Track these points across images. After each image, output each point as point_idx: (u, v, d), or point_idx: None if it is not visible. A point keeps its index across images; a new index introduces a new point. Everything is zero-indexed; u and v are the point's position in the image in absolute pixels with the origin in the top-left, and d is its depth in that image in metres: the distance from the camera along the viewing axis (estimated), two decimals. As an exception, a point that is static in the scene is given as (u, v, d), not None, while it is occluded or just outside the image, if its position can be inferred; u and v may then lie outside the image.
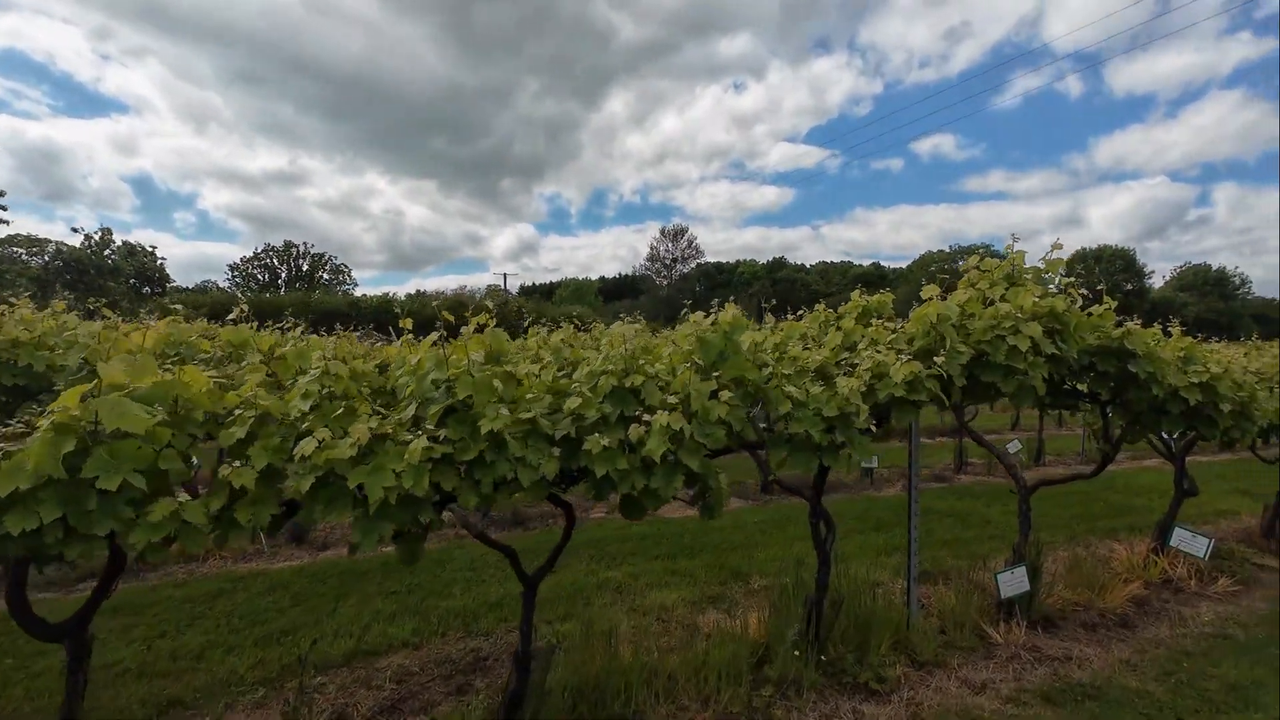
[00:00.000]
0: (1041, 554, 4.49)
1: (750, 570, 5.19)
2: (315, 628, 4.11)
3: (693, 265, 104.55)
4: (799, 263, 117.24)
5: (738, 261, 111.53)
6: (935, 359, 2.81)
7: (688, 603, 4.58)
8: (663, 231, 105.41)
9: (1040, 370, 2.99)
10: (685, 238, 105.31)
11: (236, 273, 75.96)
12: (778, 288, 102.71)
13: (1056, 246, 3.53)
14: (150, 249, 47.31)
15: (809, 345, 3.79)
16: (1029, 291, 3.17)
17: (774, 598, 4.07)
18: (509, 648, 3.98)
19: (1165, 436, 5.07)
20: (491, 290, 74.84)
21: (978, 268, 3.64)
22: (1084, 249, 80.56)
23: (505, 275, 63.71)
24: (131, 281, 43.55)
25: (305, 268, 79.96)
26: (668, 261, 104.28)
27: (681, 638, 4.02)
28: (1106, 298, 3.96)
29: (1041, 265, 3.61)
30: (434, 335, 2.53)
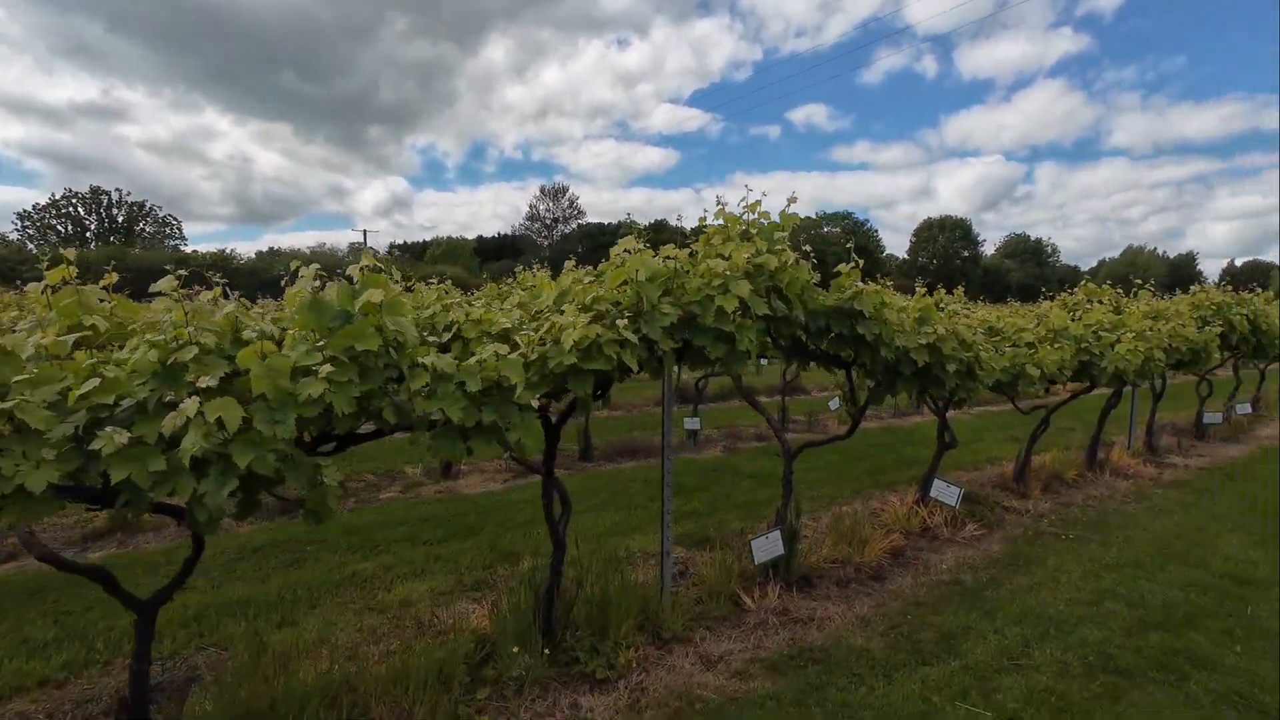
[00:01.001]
0: (801, 516, 4.50)
1: (524, 550, 4.83)
2: (-82, 673, 3.21)
3: (574, 225, 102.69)
4: (679, 225, 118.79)
5: (618, 223, 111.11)
6: (619, 322, 2.47)
7: (438, 595, 4.13)
8: (542, 190, 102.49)
9: (749, 332, 2.76)
10: (566, 197, 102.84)
11: (29, 223, 64.05)
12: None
13: (791, 200, 3.33)
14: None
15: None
16: (748, 246, 2.93)
17: (511, 585, 3.70)
18: (191, 672, 3.33)
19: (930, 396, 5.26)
20: (353, 248, 69.05)
21: (721, 221, 3.37)
22: (929, 219, 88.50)
23: (365, 232, 58.81)
24: None
25: (121, 219, 69.16)
26: (548, 221, 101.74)
27: (409, 639, 3.57)
28: (856, 255, 3.86)
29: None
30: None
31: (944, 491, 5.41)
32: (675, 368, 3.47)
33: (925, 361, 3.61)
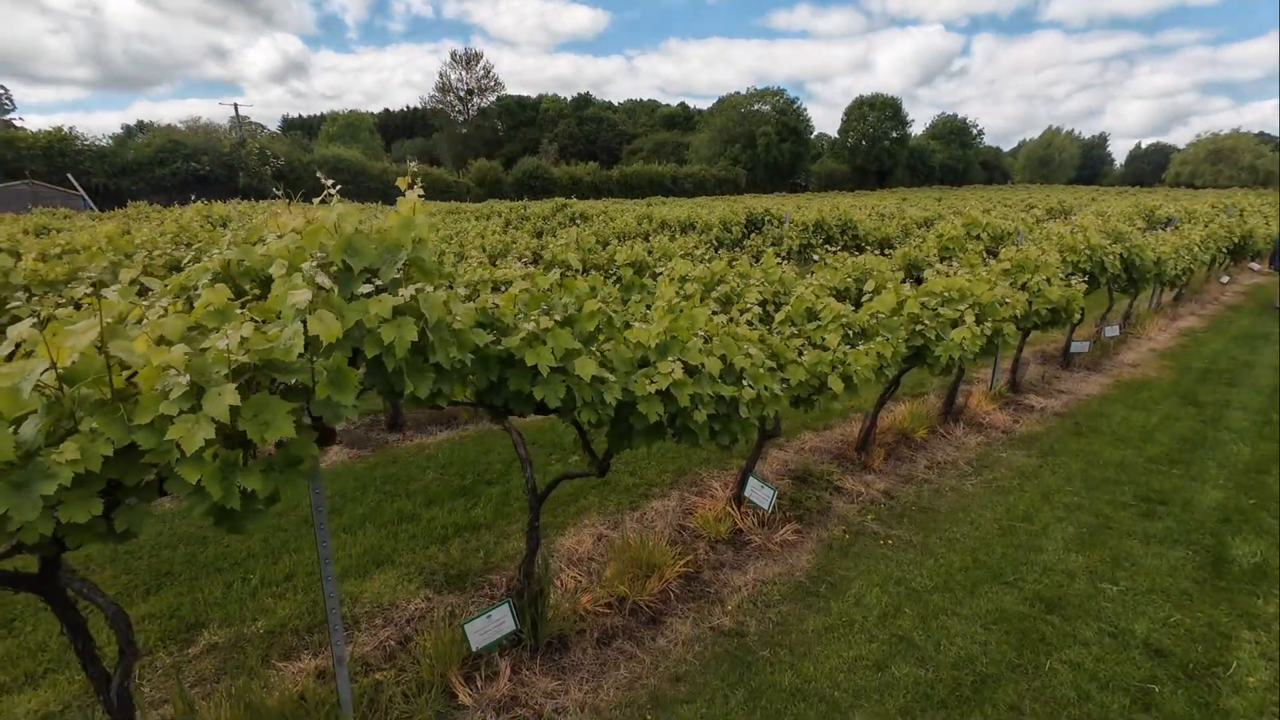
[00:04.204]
0: (550, 570, 3.60)
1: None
2: None
3: (492, 99, 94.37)
4: (607, 100, 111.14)
5: (540, 96, 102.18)
6: None
7: None
8: (453, 56, 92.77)
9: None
10: (480, 65, 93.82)
11: None
12: (584, 128, 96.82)
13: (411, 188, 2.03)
14: None
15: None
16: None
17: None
18: None
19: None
20: (233, 123, 60.85)
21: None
22: (861, 97, 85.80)
23: (237, 105, 51.39)
24: None
25: (-71, 87, 57.59)
26: (462, 93, 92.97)
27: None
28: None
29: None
30: None
31: (758, 493, 4.65)
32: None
33: (661, 415, 2.58)
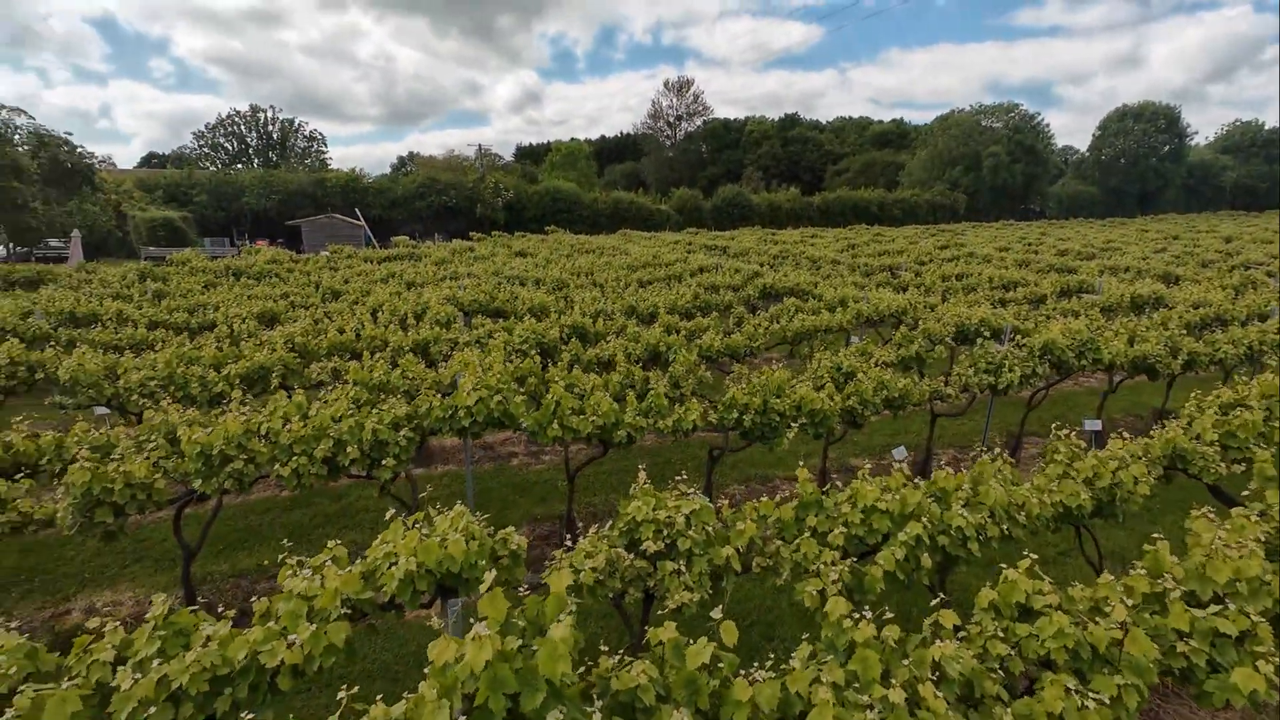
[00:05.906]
0: None
1: None
2: None
3: (699, 123, 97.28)
4: (815, 119, 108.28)
5: (746, 119, 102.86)
6: None
7: None
8: (666, 84, 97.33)
9: None
10: (690, 91, 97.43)
11: (203, 142, 71.82)
12: (789, 149, 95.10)
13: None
14: (64, 135, 40.24)
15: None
16: None
17: None
18: None
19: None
20: (479, 153, 70.00)
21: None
22: (1124, 106, 72.79)
23: (480, 146, 59.22)
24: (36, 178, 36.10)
25: (275, 135, 75.43)
26: (671, 119, 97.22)
27: None
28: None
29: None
30: None
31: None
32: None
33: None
